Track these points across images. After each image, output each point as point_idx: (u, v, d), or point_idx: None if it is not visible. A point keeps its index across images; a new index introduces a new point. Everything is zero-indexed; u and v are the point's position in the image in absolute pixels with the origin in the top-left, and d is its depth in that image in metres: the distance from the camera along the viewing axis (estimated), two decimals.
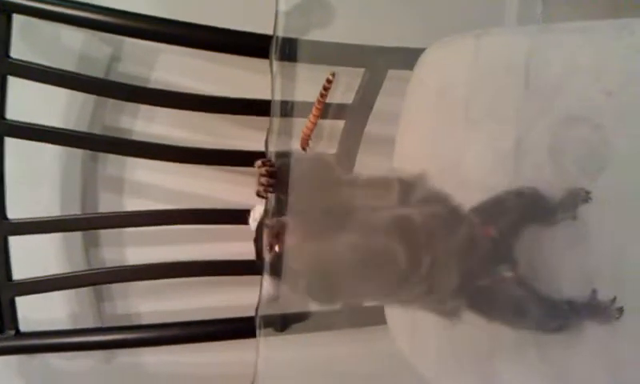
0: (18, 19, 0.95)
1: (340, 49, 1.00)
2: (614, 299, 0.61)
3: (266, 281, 0.67)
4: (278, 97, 0.80)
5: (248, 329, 1.03)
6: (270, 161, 0.70)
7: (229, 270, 1.09)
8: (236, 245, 1.11)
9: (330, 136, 1.05)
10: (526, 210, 0.68)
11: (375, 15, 1.09)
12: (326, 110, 1.03)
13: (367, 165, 1.04)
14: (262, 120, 1.05)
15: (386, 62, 1.04)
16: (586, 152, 0.67)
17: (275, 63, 0.82)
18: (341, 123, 1.05)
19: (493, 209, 0.69)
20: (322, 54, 0.99)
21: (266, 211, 0.70)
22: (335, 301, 0.68)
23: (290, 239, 0.63)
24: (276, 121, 0.81)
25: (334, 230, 0.63)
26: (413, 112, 0.97)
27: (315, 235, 0.64)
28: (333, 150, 1.05)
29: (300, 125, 0.91)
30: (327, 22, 1.01)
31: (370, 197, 0.68)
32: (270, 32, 0.97)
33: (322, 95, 0.85)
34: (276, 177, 0.68)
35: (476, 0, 1.11)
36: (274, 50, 0.83)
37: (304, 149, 0.83)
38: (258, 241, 0.69)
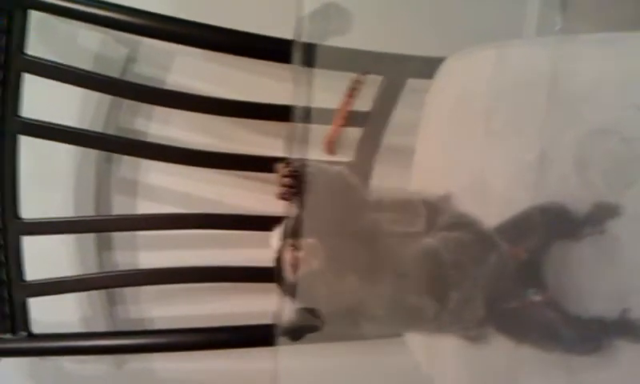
0: (34, 16, 0.94)
1: (358, 56, 0.99)
2: None
3: (287, 302, 0.65)
4: (301, 102, 0.78)
5: (261, 337, 1.03)
6: (291, 163, 0.68)
7: (242, 276, 1.08)
8: (249, 251, 1.11)
9: (347, 144, 1.04)
10: (552, 227, 0.67)
11: (392, 23, 1.09)
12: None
13: (385, 174, 1.03)
14: (278, 125, 1.05)
15: (404, 71, 1.03)
16: (614, 165, 0.66)
17: (298, 68, 0.79)
18: (358, 131, 1.04)
19: (519, 227, 0.68)
20: (340, 61, 0.98)
21: (286, 228, 0.66)
22: (356, 335, 0.66)
23: (314, 264, 0.61)
24: (298, 127, 0.78)
25: (360, 263, 0.61)
26: (432, 122, 0.96)
27: (340, 265, 0.62)
28: (349, 159, 1.04)
29: (322, 132, 0.90)
30: (344, 29, 1.00)
31: (396, 222, 0.66)
32: (287, 36, 0.98)
33: (349, 95, 0.84)
34: (299, 179, 0.65)
35: (495, 12, 1.13)
36: (296, 54, 0.81)
37: (330, 154, 0.82)
38: (278, 263, 0.66)
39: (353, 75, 0.82)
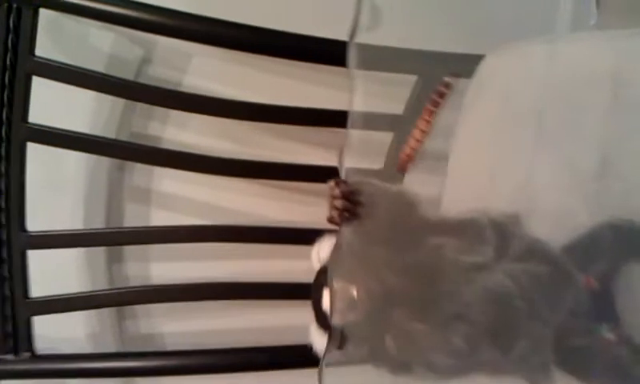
0: (43, 15, 0.89)
1: (388, 53, 0.92)
2: None
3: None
4: (355, 107, 0.69)
5: (283, 359, 0.96)
6: (345, 182, 0.58)
7: (262, 292, 1.02)
8: (271, 264, 1.05)
9: (376, 150, 0.97)
10: (623, 248, 0.57)
11: (417, 20, 1.04)
12: (372, 121, 0.95)
13: (418, 183, 0.95)
14: (301, 130, 1.01)
15: (440, 70, 0.96)
16: None
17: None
18: (389, 136, 0.97)
19: (588, 250, 0.58)
20: (369, 59, 0.92)
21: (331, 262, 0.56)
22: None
23: (358, 312, 0.52)
24: (353, 134, 0.71)
25: (416, 302, 0.52)
26: (472, 126, 0.87)
27: (390, 305, 0.53)
28: (379, 165, 0.96)
29: (364, 138, 0.84)
30: (373, 25, 0.94)
31: (461, 250, 0.55)
32: (310, 33, 0.92)
33: (433, 104, 0.68)
34: (354, 201, 0.56)
35: (525, 6, 1.07)
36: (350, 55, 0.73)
37: (403, 171, 0.69)
38: (316, 298, 0.57)
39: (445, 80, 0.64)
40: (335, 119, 0.96)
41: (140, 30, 0.92)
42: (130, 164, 1.05)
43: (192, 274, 1.03)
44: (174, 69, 1.03)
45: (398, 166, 0.65)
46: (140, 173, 1.06)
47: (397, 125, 0.97)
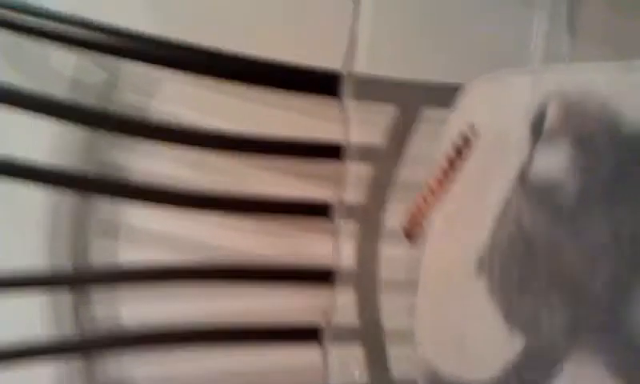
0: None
1: (364, 82, 0.91)
2: None
3: None
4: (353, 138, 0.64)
5: None
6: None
7: (245, 336, 0.97)
8: (254, 302, 1.00)
9: (354, 182, 0.95)
10: None
11: (394, 48, 1.00)
12: (354, 152, 0.93)
13: (399, 214, 0.93)
14: (279, 161, 0.98)
15: (419, 99, 0.94)
16: None
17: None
18: (367, 168, 0.95)
19: None
20: (353, 89, 0.90)
21: None
22: None
23: None
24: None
25: None
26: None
27: None
28: (359, 199, 0.94)
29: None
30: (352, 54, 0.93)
31: None
32: (288, 60, 0.89)
33: (451, 162, 0.52)
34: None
35: (499, 36, 1.06)
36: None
37: (410, 236, 0.58)
38: None
39: (459, 129, 0.48)
40: (316, 150, 0.94)
41: (104, 53, 0.88)
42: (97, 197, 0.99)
43: (167, 314, 0.98)
44: (142, 94, 0.98)
45: (405, 231, 0.57)
46: (109, 206, 1.00)
47: (374, 156, 0.95)
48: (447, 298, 0.77)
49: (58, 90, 0.91)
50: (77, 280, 0.95)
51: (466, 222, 0.73)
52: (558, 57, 1.07)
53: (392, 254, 0.96)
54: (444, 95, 0.89)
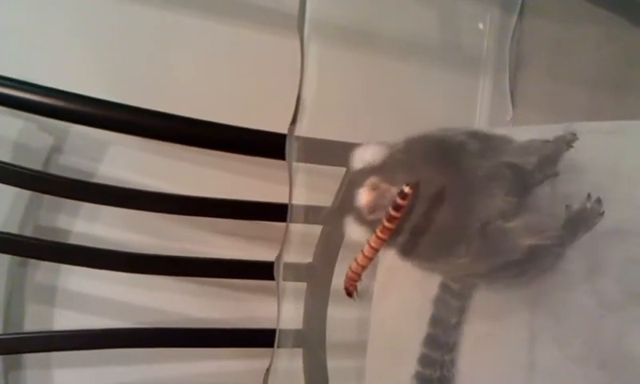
0: None
1: (316, 145, 0.91)
2: None
3: None
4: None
5: None
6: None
7: None
8: (194, 367, 0.97)
9: (304, 242, 0.93)
10: None
11: (342, 113, 1.03)
12: (300, 213, 0.91)
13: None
14: (222, 222, 0.96)
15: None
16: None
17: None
18: (316, 229, 0.94)
19: None
20: (300, 151, 0.89)
21: None
22: None
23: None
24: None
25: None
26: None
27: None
28: (309, 259, 0.92)
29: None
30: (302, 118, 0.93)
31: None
32: (236, 123, 0.89)
33: (390, 218, 0.51)
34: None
35: (446, 102, 1.11)
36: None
37: (350, 293, 0.60)
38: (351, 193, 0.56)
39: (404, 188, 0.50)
40: (262, 211, 0.92)
41: (51, 117, 0.85)
42: (33, 260, 0.95)
43: (101, 381, 0.94)
44: (86, 158, 0.96)
45: (345, 286, 0.57)
46: (45, 268, 0.96)
47: (325, 217, 0.94)
48: (396, 360, 0.75)
49: (1, 153, 0.88)
50: (8, 346, 0.88)
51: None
52: (501, 121, 1.10)
53: (340, 315, 0.94)
54: None
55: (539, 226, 0.56)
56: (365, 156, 0.59)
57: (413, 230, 0.55)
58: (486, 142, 0.58)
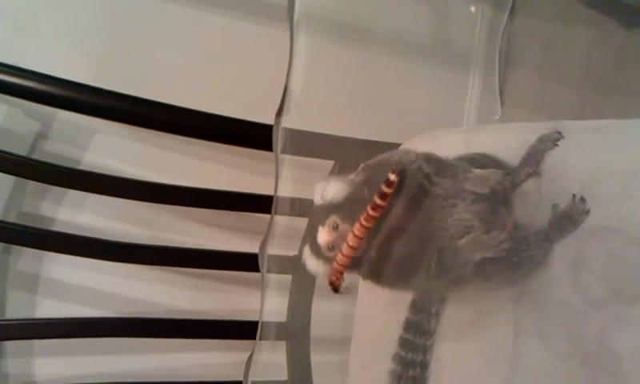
0: None
1: (306, 138, 0.90)
2: None
3: None
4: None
5: None
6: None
7: None
8: (179, 358, 0.96)
9: (290, 235, 0.92)
10: None
11: (331, 108, 1.03)
12: (286, 205, 0.91)
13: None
14: (208, 213, 0.95)
15: (357, 155, 0.94)
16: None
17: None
18: (303, 222, 0.93)
19: None
20: (287, 143, 0.89)
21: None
22: None
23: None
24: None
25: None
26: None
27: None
28: (294, 252, 0.92)
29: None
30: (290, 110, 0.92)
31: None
32: (223, 113, 0.89)
33: (374, 207, 0.52)
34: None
35: (436, 99, 1.11)
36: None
37: (335, 287, 0.56)
38: (314, 228, 0.58)
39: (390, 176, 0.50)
40: (249, 203, 0.92)
41: (37, 102, 0.84)
42: (17, 247, 0.94)
43: (83, 370, 0.93)
44: (73, 145, 0.95)
45: (331, 280, 0.58)
46: (28, 257, 0.95)
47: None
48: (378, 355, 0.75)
49: None
50: None
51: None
52: (489, 119, 1.10)
53: (325, 309, 0.93)
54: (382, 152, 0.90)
55: (489, 240, 0.56)
56: (327, 193, 0.59)
57: (374, 260, 0.57)
58: (444, 169, 0.59)
